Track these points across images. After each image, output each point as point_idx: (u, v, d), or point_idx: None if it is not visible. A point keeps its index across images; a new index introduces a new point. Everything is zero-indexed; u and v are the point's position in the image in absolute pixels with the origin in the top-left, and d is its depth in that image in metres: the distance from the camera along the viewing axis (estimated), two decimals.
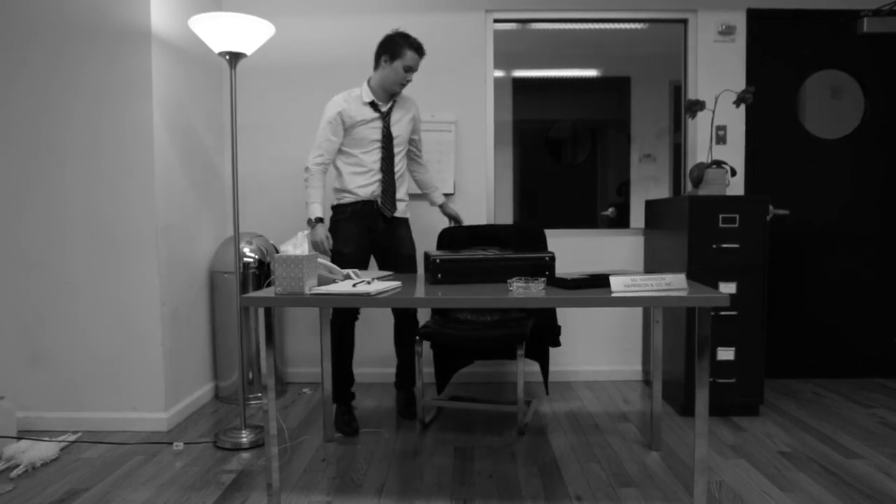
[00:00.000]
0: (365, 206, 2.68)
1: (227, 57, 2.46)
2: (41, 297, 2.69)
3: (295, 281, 1.88)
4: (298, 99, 3.41)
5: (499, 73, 3.48)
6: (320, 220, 2.61)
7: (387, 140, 2.67)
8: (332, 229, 2.70)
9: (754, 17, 3.39)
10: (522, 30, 3.48)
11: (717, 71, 3.39)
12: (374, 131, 2.65)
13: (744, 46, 3.38)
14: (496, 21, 3.44)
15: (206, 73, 3.20)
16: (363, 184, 2.67)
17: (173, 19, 2.80)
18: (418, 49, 2.62)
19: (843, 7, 3.37)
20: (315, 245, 2.58)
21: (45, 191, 2.67)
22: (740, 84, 3.39)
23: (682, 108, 3.51)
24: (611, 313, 3.48)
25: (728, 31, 3.37)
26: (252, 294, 1.90)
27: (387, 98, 2.69)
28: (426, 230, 3.40)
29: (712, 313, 2.78)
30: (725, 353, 2.80)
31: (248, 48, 2.45)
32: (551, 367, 3.47)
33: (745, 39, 3.38)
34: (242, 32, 2.37)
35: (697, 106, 2.94)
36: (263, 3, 3.38)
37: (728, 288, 2.78)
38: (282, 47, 3.39)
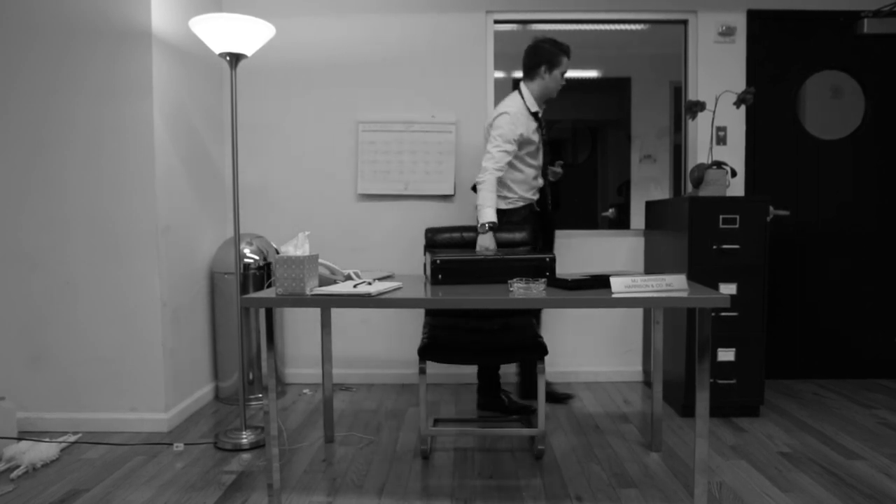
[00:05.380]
0: (532, 209, 2.90)
1: (228, 58, 2.46)
2: (42, 298, 2.69)
3: (296, 282, 1.88)
4: (299, 99, 3.41)
5: (499, 74, 3.48)
6: (495, 225, 2.66)
7: (543, 145, 2.86)
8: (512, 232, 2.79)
9: (754, 17, 3.39)
10: (523, 30, 3.48)
11: (718, 72, 3.39)
12: (536, 139, 2.82)
13: (744, 47, 3.38)
14: (496, 22, 3.44)
15: (207, 73, 3.21)
16: (530, 189, 2.87)
17: (174, 20, 2.80)
18: (569, 53, 2.79)
19: (843, 7, 3.38)
20: (483, 250, 2.61)
21: (46, 191, 2.67)
22: (740, 85, 3.39)
23: (683, 108, 3.51)
24: (611, 314, 3.48)
25: (728, 32, 3.37)
26: (253, 295, 1.90)
27: (541, 105, 2.87)
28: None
29: (713, 314, 2.78)
30: (726, 354, 2.80)
31: (248, 49, 2.46)
32: (551, 368, 3.47)
33: (746, 40, 3.39)
34: (243, 33, 2.37)
35: (698, 107, 2.94)
36: (264, 3, 3.38)
37: (728, 289, 2.78)
38: (282, 48, 3.40)
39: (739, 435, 2.61)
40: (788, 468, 2.26)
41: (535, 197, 2.94)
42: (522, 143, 2.77)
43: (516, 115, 2.74)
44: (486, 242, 2.63)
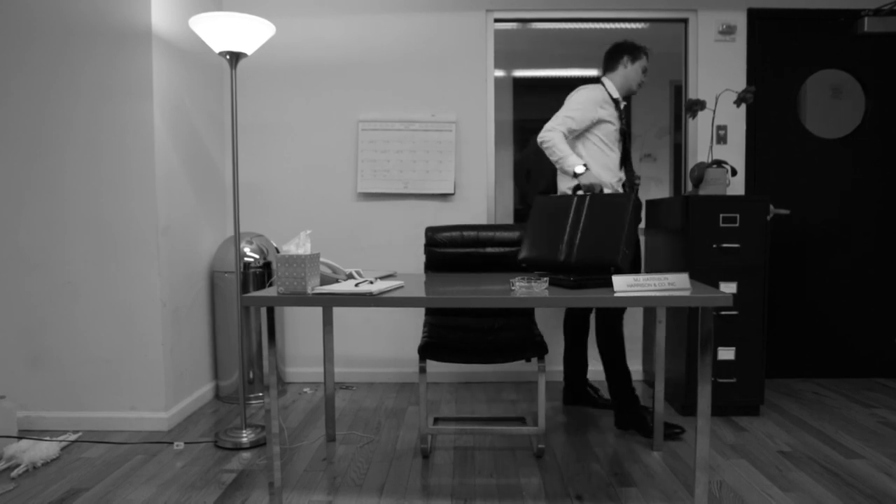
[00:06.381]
0: None
1: (228, 57, 2.46)
2: (42, 298, 2.69)
3: (297, 280, 1.88)
4: (299, 98, 3.41)
5: (499, 73, 3.48)
6: (587, 166, 2.54)
7: (624, 135, 2.75)
8: None
9: (755, 16, 3.39)
10: (523, 29, 3.48)
11: (718, 71, 3.39)
12: (615, 126, 2.71)
13: (744, 46, 3.38)
14: (497, 21, 3.44)
15: (207, 73, 3.20)
16: (615, 177, 2.71)
17: (174, 19, 2.80)
18: (648, 55, 2.81)
19: (843, 7, 3.37)
20: (588, 188, 2.47)
21: (46, 191, 2.67)
22: (741, 84, 3.39)
23: (683, 107, 3.51)
24: None
25: (728, 31, 3.37)
26: (254, 294, 1.90)
27: (623, 97, 2.78)
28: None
29: (713, 313, 2.77)
30: (726, 353, 2.80)
31: (248, 48, 2.45)
32: (551, 367, 3.47)
33: (746, 39, 3.38)
34: (243, 32, 2.37)
35: (698, 106, 2.93)
36: (264, 3, 3.38)
37: (729, 288, 2.78)
38: (282, 47, 3.39)
39: (740, 434, 2.61)
40: (788, 467, 2.26)
41: (617, 186, 2.75)
42: (600, 121, 2.67)
43: (595, 94, 2.68)
44: (590, 179, 2.48)
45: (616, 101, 2.74)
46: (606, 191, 2.64)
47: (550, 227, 2.28)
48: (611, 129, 2.71)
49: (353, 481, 2.17)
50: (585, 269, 2.12)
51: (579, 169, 2.52)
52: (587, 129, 2.69)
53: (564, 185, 2.78)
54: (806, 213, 3.46)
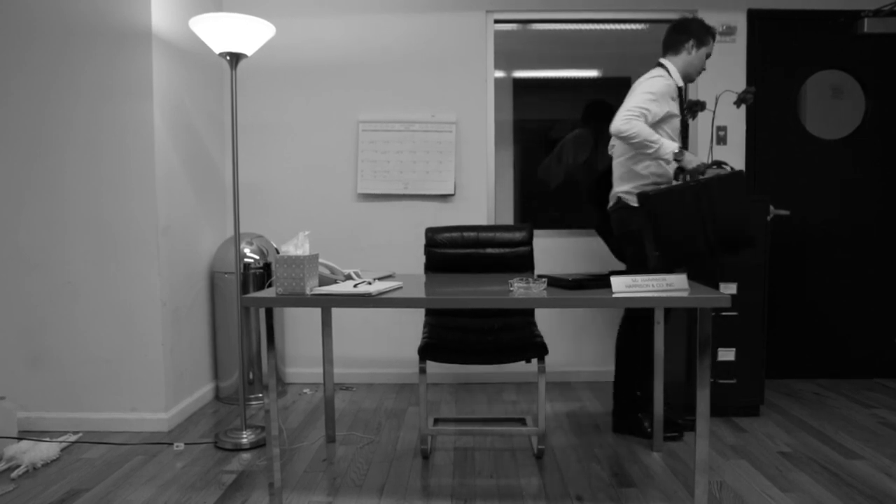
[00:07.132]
0: None
1: (228, 57, 2.46)
2: (42, 298, 2.69)
3: (296, 281, 1.88)
4: (299, 99, 3.41)
5: (499, 74, 3.48)
6: (683, 149, 2.32)
7: (685, 127, 2.56)
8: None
9: (755, 17, 3.39)
10: (523, 30, 3.48)
11: (718, 71, 3.39)
12: (679, 118, 2.51)
13: (744, 46, 3.38)
14: (497, 21, 3.44)
15: (207, 73, 3.20)
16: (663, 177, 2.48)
17: (174, 20, 2.80)
18: (715, 37, 2.56)
19: (843, 7, 3.37)
20: (695, 171, 2.28)
21: (46, 191, 2.67)
22: (741, 84, 3.39)
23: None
24: (611, 313, 3.48)
25: (729, 32, 3.37)
26: (253, 294, 1.90)
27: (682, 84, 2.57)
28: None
29: (713, 314, 2.78)
30: (726, 354, 2.80)
31: (248, 48, 2.45)
32: (552, 367, 3.47)
33: (746, 39, 3.38)
34: (243, 33, 2.37)
35: (698, 106, 2.93)
36: (264, 3, 3.38)
37: (728, 288, 2.78)
38: (282, 47, 3.39)
39: (740, 434, 2.61)
40: (788, 468, 2.26)
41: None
42: (669, 116, 2.45)
43: (669, 84, 2.45)
44: (695, 161, 2.31)
45: (680, 90, 2.52)
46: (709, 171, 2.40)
47: (681, 220, 2.14)
48: (676, 122, 2.50)
49: (353, 482, 2.17)
50: (728, 249, 2.10)
51: (676, 152, 2.31)
52: (655, 125, 2.42)
53: (625, 186, 2.52)
54: (806, 213, 3.46)
